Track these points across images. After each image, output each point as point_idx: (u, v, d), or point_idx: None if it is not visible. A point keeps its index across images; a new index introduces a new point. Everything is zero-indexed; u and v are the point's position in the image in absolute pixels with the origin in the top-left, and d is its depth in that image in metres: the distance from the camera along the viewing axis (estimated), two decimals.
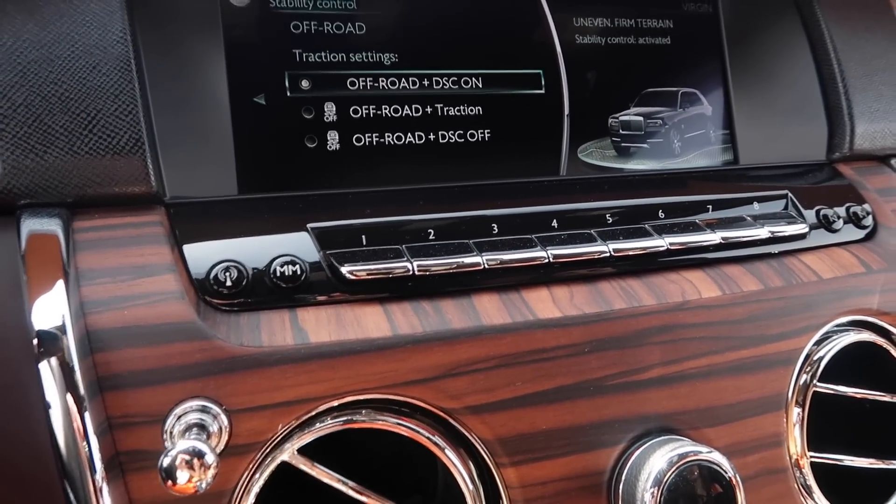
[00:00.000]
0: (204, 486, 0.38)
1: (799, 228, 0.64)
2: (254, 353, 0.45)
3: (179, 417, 0.43)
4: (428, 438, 0.48)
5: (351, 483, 0.47)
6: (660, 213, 0.62)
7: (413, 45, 0.61)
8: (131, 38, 0.52)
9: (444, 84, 0.62)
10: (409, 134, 0.60)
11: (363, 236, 0.53)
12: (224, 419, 0.44)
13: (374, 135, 0.59)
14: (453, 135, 0.61)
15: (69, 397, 0.41)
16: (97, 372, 0.43)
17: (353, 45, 0.59)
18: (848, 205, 0.68)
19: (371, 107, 0.59)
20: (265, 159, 0.56)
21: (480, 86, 0.63)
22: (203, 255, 0.49)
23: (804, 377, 0.59)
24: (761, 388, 0.57)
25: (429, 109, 0.61)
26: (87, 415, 0.41)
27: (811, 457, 0.58)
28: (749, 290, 0.58)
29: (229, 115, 0.55)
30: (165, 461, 0.37)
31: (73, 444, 0.40)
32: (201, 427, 0.42)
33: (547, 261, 0.55)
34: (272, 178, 0.56)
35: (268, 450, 0.46)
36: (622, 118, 0.67)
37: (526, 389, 0.50)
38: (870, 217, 0.68)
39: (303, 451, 0.47)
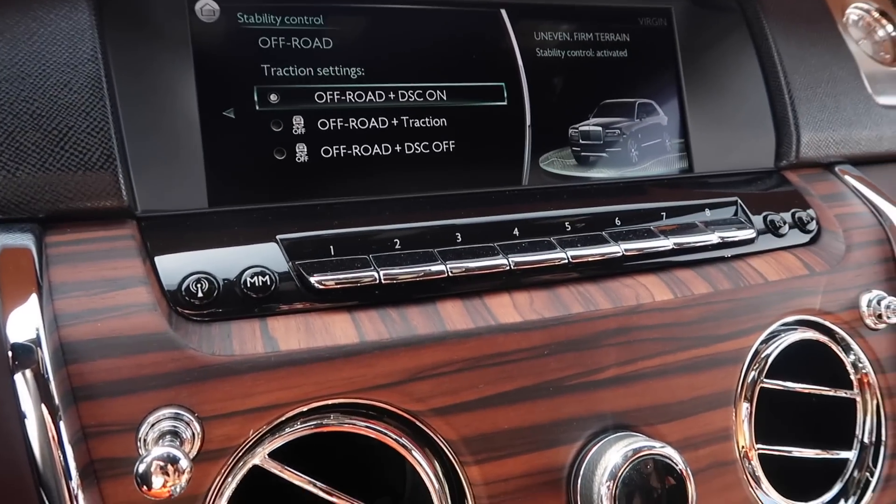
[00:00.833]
0: (178, 490, 0.39)
1: (747, 234, 0.67)
2: (225, 362, 0.47)
3: (153, 425, 0.45)
4: (395, 440, 0.50)
5: (320, 484, 0.49)
6: (616, 221, 0.65)
7: (378, 59, 0.63)
8: (101, 56, 0.53)
9: (409, 97, 0.64)
10: (376, 146, 0.62)
11: (331, 246, 0.55)
12: (197, 426, 0.45)
13: (341, 147, 0.61)
14: (419, 146, 0.63)
15: (44, 408, 0.42)
16: (71, 382, 0.44)
17: (320, 59, 0.61)
18: (794, 210, 0.72)
19: (338, 119, 0.61)
20: (235, 172, 0.57)
21: (445, 98, 0.65)
22: (175, 267, 0.51)
23: (752, 374, 0.63)
24: (711, 385, 0.60)
25: (395, 122, 0.63)
26: (61, 424, 0.42)
27: (759, 449, 0.62)
28: (699, 293, 0.61)
29: (199, 128, 0.56)
30: (141, 467, 0.39)
31: (48, 453, 0.42)
32: (174, 434, 0.44)
33: (508, 268, 0.57)
34: (242, 191, 0.58)
35: (240, 454, 0.47)
36: (581, 128, 0.70)
37: (488, 391, 0.53)
38: (814, 222, 0.72)
39: (273, 455, 0.48)
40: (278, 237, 0.54)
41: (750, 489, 0.61)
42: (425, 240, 0.58)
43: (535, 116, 0.68)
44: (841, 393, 0.66)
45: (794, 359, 0.64)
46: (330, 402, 0.49)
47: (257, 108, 0.59)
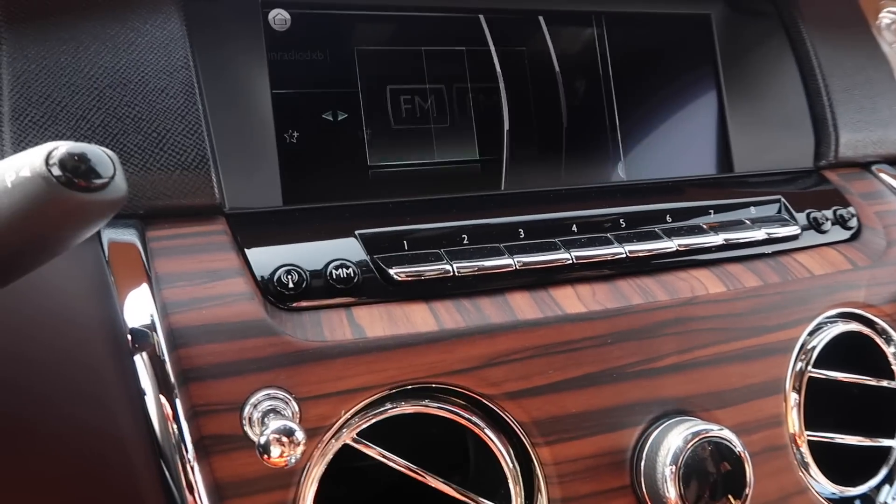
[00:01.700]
0: (293, 460, 0.43)
1: (792, 230, 0.70)
2: (319, 347, 0.51)
3: (255, 405, 0.48)
4: (474, 423, 0.53)
5: (403, 462, 0.52)
6: (667, 218, 0.68)
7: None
8: (193, 63, 0.57)
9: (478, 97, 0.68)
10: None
11: (405, 241, 0.59)
12: (295, 406, 0.49)
13: (409, 153, 0.65)
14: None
15: (161, 387, 0.46)
16: (181, 365, 0.48)
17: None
18: (835, 208, 0.75)
19: (406, 125, 0.65)
20: (308, 172, 0.61)
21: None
22: (264, 259, 0.54)
23: (800, 364, 0.65)
24: (763, 373, 0.63)
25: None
26: (177, 402, 0.46)
27: (808, 435, 0.65)
28: (750, 286, 0.64)
29: (273, 130, 0.60)
30: (262, 439, 0.42)
31: (165, 428, 0.45)
32: (276, 412, 0.47)
33: (570, 262, 0.60)
34: (317, 190, 0.61)
35: (332, 433, 0.51)
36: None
37: (557, 377, 0.56)
38: (854, 219, 0.75)
39: (360, 435, 0.52)
40: (357, 232, 0.58)
41: (800, 473, 0.64)
42: (490, 235, 0.61)
43: (621, 119, 0.72)
44: (883, 383, 0.69)
45: (837, 349, 0.67)
46: (413, 386, 0.53)
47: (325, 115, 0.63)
